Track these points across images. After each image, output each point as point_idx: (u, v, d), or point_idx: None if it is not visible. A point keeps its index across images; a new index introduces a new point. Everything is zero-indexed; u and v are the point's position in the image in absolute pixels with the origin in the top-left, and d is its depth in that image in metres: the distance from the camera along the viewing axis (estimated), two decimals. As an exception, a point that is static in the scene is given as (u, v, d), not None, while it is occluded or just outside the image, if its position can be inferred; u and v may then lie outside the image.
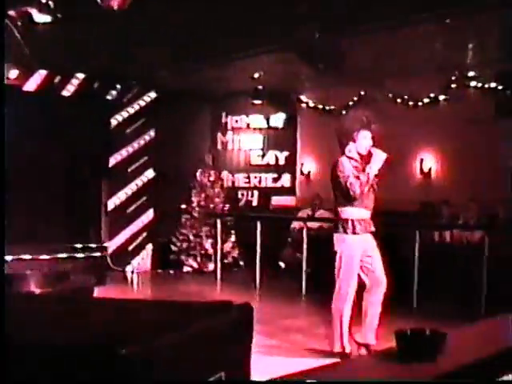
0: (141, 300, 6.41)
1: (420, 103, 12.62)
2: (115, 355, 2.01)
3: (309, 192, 13.81)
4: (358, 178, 6.46)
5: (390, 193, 12.59)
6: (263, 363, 5.80)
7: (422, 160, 12.83)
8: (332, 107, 13.96)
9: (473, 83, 12.13)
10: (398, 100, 12.86)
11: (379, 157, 6.61)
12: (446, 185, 12.37)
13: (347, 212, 6.64)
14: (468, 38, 11.03)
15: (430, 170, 12.76)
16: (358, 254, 6.66)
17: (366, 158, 6.67)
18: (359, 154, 6.69)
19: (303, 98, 14.60)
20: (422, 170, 12.84)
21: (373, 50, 11.38)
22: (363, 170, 6.57)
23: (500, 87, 11.76)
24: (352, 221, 6.60)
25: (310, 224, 11.86)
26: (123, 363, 2.02)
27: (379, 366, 2.15)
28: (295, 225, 12.56)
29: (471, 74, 12.12)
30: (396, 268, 10.84)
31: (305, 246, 11.02)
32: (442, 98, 12.41)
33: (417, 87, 12.55)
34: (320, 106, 14.24)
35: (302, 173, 14.95)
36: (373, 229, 6.81)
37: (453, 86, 12.27)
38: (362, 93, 13.38)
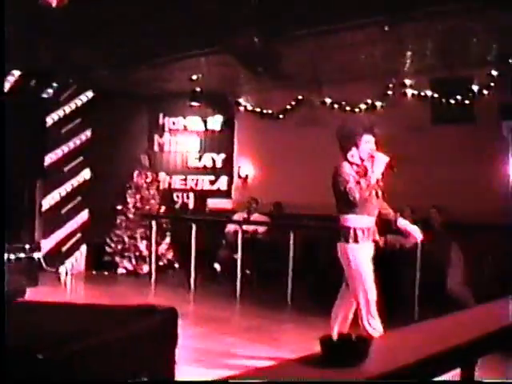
0: (65, 303, 6.33)
1: (357, 109, 12.72)
2: (34, 359, 1.97)
3: (245, 195, 13.83)
4: (358, 183, 6.15)
5: (327, 198, 12.74)
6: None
7: (357, 165, 12.94)
8: (269, 111, 14.00)
9: (409, 91, 12.29)
10: (335, 105, 12.95)
11: (381, 160, 6.33)
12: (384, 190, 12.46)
13: (349, 220, 6.33)
14: (405, 46, 11.16)
15: (365, 175, 12.89)
16: (366, 260, 6.39)
17: (369, 163, 6.36)
18: (362, 158, 6.37)
19: (241, 100, 14.62)
20: (357, 175, 12.94)
21: (311, 54, 11.43)
22: (365, 176, 6.26)
23: (436, 95, 11.93)
24: (354, 229, 6.29)
25: (246, 227, 11.85)
26: (42, 366, 1.98)
27: (303, 372, 2.14)
28: (230, 228, 12.54)
29: (408, 81, 12.28)
30: (331, 274, 11.01)
31: (240, 248, 11.00)
32: (378, 104, 12.53)
33: (354, 93, 12.65)
34: (258, 110, 14.27)
35: (238, 176, 14.95)
36: (377, 237, 6.54)
37: (389, 92, 12.40)
38: (300, 97, 13.44)
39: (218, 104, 15.00)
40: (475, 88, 11.54)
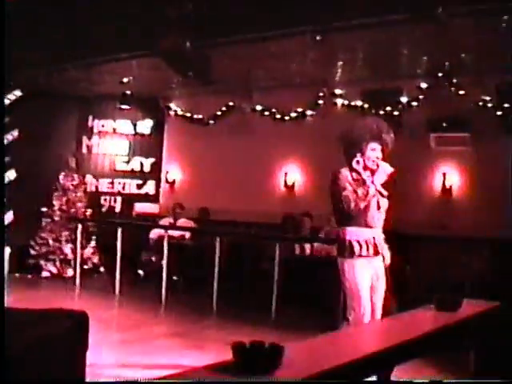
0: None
1: (287, 117, 12.76)
2: None
3: (172, 200, 13.71)
4: (355, 192, 5.69)
5: (254, 205, 12.76)
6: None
7: (286, 173, 12.97)
8: (200, 116, 13.94)
9: (339, 100, 12.37)
10: (266, 113, 12.96)
11: (383, 170, 5.85)
12: (309, 198, 12.53)
13: (347, 232, 5.80)
14: (336, 56, 11.25)
15: (293, 183, 12.92)
16: (365, 278, 5.75)
17: (374, 173, 5.88)
18: (366, 166, 5.87)
19: (172, 105, 14.52)
20: (286, 183, 12.97)
21: (242, 60, 11.44)
22: (363, 185, 5.78)
23: (366, 105, 12.04)
24: (350, 242, 5.75)
25: (172, 232, 11.75)
26: None
27: (214, 378, 2.10)
28: (156, 233, 12.40)
29: (338, 91, 12.36)
30: (256, 281, 11.01)
31: (165, 253, 10.89)
32: (309, 113, 12.59)
33: (285, 101, 12.69)
34: (188, 115, 14.19)
35: (166, 181, 14.85)
36: (381, 251, 5.86)
37: (320, 102, 12.46)
38: (231, 103, 13.42)
39: (148, 108, 14.89)
40: (404, 100, 11.68)
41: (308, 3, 9.26)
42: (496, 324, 4.84)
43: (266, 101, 12.97)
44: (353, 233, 5.75)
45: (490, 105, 10.75)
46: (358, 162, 5.85)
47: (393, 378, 2.99)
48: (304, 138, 12.56)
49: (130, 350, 7.39)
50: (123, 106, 14.35)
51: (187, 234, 12.42)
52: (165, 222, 12.67)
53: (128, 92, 13.98)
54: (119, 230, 11.38)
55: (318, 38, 10.03)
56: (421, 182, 11.27)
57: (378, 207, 5.86)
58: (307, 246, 10.73)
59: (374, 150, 5.86)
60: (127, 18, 10.02)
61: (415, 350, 2.96)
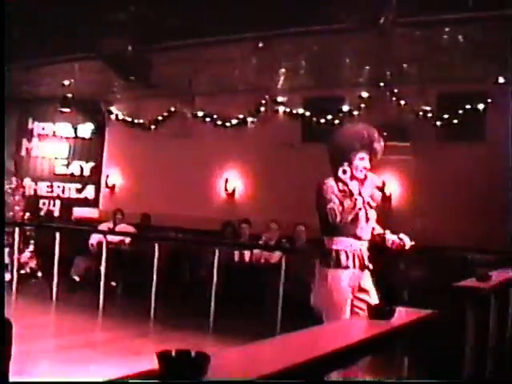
0: None
1: (228, 123, 12.75)
2: None
3: (113, 205, 13.59)
4: (341, 204, 5.38)
5: (195, 211, 12.71)
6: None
7: (226, 180, 12.95)
8: (141, 121, 13.86)
9: (281, 108, 12.40)
10: (208, 118, 12.93)
11: (371, 182, 5.61)
12: (249, 205, 12.54)
13: (331, 242, 5.51)
14: (279, 63, 11.29)
15: (234, 189, 12.90)
16: (345, 291, 5.47)
17: (361, 183, 5.60)
18: (354, 176, 5.56)
19: (113, 109, 14.40)
20: (226, 189, 12.95)
21: (185, 65, 11.40)
22: (350, 196, 5.47)
23: (307, 113, 12.08)
24: (336, 252, 5.47)
25: (111, 238, 11.62)
26: None
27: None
28: (94, 239, 12.25)
29: (280, 98, 12.39)
30: (195, 287, 10.96)
31: (104, 259, 10.75)
32: (250, 119, 12.59)
33: (227, 107, 12.68)
34: (129, 119, 14.09)
35: (106, 185, 14.71)
36: (368, 263, 5.58)
37: (262, 109, 12.48)
38: (172, 109, 13.36)
39: (89, 111, 14.75)
40: (346, 108, 11.75)
41: (251, 10, 9.27)
42: (432, 331, 4.89)
43: (207, 106, 12.95)
44: (340, 243, 5.48)
45: (430, 115, 10.87)
46: (344, 171, 5.53)
47: None
48: (245, 144, 12.59)
49: (64, 357, 7.28)
50: (64, 109, 14.17)
51: (127, 240, 12.31)
52: (104, 227, 12.53)
53: (69, 95, 13.81)
54: (57, 235, 11.21)
55: (260, 44, 10.05)
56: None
57: (367, 219, 5.62)
58: (246, 253, 10.71)
59: (362, 160, 5.55)
60: (69, 20, 9.91)
61: (346, 358, 2.95)
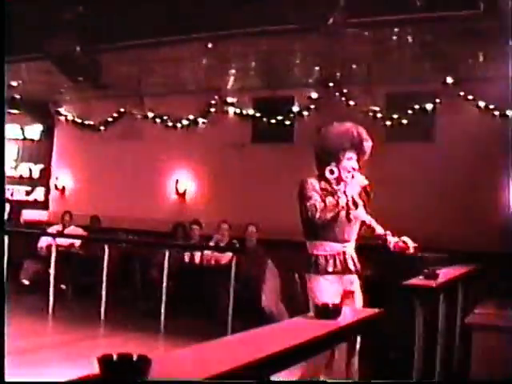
0: None
1: (179, 124, 12.70)
2: None
3: (62, 207, 13.44)
4: (323, 201, 5.20)
5: (146, 212, 12.65)
6: None
7: (177, 181, 12.89)
8: (91, 122, 13.74)
9: (231, 108, 12.39)
10: (157, 119, 12.86)
11: (357, 182, 5.38)
12: (200, 206, 12.52)
13: (312, 247, 5.37)
14: (229, 64, 11.28)
15: (185, 191, 12.85)
16: (332, 296, 5.10)
17: (346, 183, 5.39)
18: (340, 177, 5.37)
19: (62, 110, 14.24)
20: (177, 190, 12.89)
21: (134, 66, 11.35)
22: (333, 195, 5.27)
23: (257, 114, 12.09)
24: (317, 256, 5.31)
25: (60, 241, 11.50)
26: None
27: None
28: (43, 242, 12.10)
29: (230, 99, 12.38)
30: (146, 289, 10.90)
31: (53, 262, 10.62)
32: (200, 120, 12.56)
33: (176, 108, 12.65)
34: (79, 120, 13.96)
35: (56, 187, 14.54)
36: (355, 267, 5.39)
37: (212, 109, 12.46)
38: (122, 110, 13.27)
39: (37, 112, 14.57)
40: (295, 109, 11.78)
41: (200, 10, 9.24)
42: (381, 330, 4.92)
43: (157, 107, 12.89)
44: (320, 247, 5.32)
45: (379, 115, 10.94)
46: (331, 171, 5.34)
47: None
48: (195, 145, 12.58)
49: (12, 361, 7.14)
50: (11, 111, 13.98)
51: (77, 243, 12.18)
52: (53, 229, 12.39)
53: (17, 96, 13.64)
54: (6, 238, 11.05)
55: (209, 45, 10.03)
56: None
57: (349, 220, 5.39)
58: (197, 254, 10.67)
59: (350, 160, 5.38)
60: (16, 20, 9.78)
61: (291, 359, 2.95)
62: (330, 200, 5.19)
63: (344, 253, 5.33)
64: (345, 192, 5.28)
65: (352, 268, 5.34)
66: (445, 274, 6.02)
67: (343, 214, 5.30)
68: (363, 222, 5.57)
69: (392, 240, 5.63)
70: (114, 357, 2.10)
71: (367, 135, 5.47)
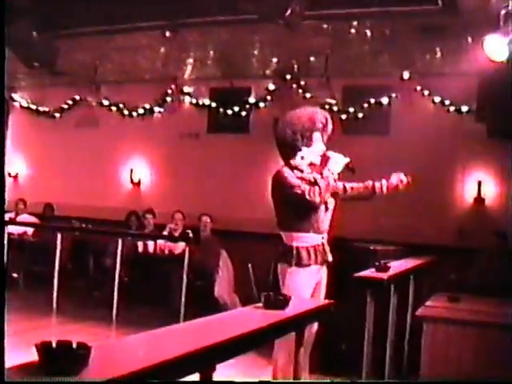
0: None
1: (134, 113, 12.60)
2: None
3: (15, 195, 13.25)
4: (315, 183, 5.04)
5: (100, 200, 12.54)
6: None
7: (132, 170, 12.80)
8: (46, 109, 13.56)
9: (187, 98, 12.32)
10: (113, 107, 12.75)
11: (338, 159, 5.21)
12: (154, 195, 12.47)
13: (291, 238, 5.17)
14: (186, 53, 11.21)
15: (139, 180, 12.77)
16: (308, 288, 5.16)
17: (318, 169, 5.24)
18: (312, 163, 5.26)
19: (16, 96, 14.02)
20: (132, 179, 12.80)
21: (90, 53, 11.23)
22: (322, 175, 5.12)
23: (213, 104, 12.04)
24: (297, 249, 5.13)
25: (14, 229, 11.37)
26: None
27: (15, 381, 1.99)
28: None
29: (187, 88, 12.31)
30: (99, 278, 10.83)
31: (5, 250, 10.48)
32: (156, 109, 12.48)
33: (133, 96, 12.55)
34: (33, 107, 13.77)
35: (9, 175, 14.33)
36: (329, 258, 5.29)
37: (168, 99, 12.38)
38: (77, 97, 13.12)
39: (-9, 98, 14.34)
40: (252, 100, 11.75)
41: (159, -2, 9.18)
42: (331, 321, 4.93)
43: (113, 95, 12.77)
44: (301, 239, 5.15)
45: (335, 108, 10.95)
46: (302, 157, 5.22)
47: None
48: (151, 134, 12.49)
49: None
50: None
51: (30, 231, 12.05)
52: (5, 217, 12.23)
53: (-30, 81, 13.42)
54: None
55: (167, 33, 9.96)
56: (267, 180, 11.37)
57: (326, 208, 5.27)
58: (150, 243, 10.62)
59: (318, 142, 5.25)
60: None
61: (238, 348, 2.95)
62: (320, 181, 5.05)
63: (323, 244, 5.26)
64: (329, 170, 5.13)
65: (329, 259, 5.29)
66: (396, 266, 6.04)
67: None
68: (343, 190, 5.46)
69: (384, 182, 5.63)
70: (53, 344, 2.08)
71: (328, 117, 5.36)
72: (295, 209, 5.12)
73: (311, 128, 5.20)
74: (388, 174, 10.14)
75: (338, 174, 5.24)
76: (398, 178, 5.69)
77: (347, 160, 5.24)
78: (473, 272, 9.11)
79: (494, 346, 5.57)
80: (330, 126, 5.33)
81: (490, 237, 9.41)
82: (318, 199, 5.00)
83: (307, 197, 4.97)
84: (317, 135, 5.22)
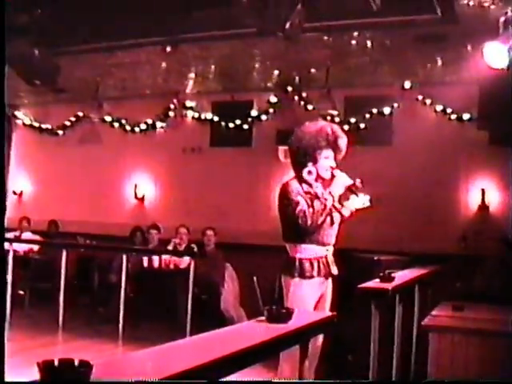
0: None
1: (137, 128, 12.63)
2: None
3: (20, 213, 13.28)
4: (311, 206, 5.09)
5: (104, 217, 12.56)
6: None
7: (136, 185, 12.81)
8: (48, 126, 13.59)
9: (190, 112, 12.35)
10: (116, 123, 12.78)
11: (341, 181, 5.25)
12: (159, 210, 12.48)
13: (295, 250, 5.22)
14: (187, 68, 11.25)
15: (143, 195, 12.78)
16: (311, 300, 5.20)
17: (327, 183, 5.31)
18: (320, 176, 5.30)
19: (19, 114, 14.07)
20: (136, 194, 12.81)
21: (92, 70, 11.29)
22: (319, 198, 5.18)
23: (216, 118, 12.06)
24: (300, 260, 5.17)
25: (19, 247, 11.38)
26: None
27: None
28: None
29: (189, 103, 12.33)
30: (105, 294, 10.81)
31: (10, 268, 10.48)
32: (159, 124, 12.51)
33: (135, 112, 12.59)
34: (36, 124, 13.80)
35: (14, 193, 14.36)
36: (334, 271, 5.33)
37: (170, 113, 12.41)
38: (80, 114, 13.16)
39: (-6, 117, 14.38)
40: (254, 113, 11.78)
41: (159, 14, 9.20)
42: (337, 333, 4.93)
43: (115, 111, 12.81)
44: (304, 251, 5.20)
45: (337, 119, 10.96)
46: (309, 172, 5.25)
47: None
48: (154, 149, 12.53)
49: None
50: (-33, 114, 13.79)
51: (35, 248, 12.06)
52: (10, 235, 12.24)
53: (-27, 99, 13.46)
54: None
55: (168, 48, 10.00)
56: (270, 193, 11.40)
57: (332, 222, 5.28)
58: (155, 258, 10.62)
59: (327, 158, 5.27)
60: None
61: (240, 362, 2.94)
62: (317, 204, 5.10)
63: (326, 256, 5.27)
64: (330, 193, 5.19)
65: (333, 272, 5.30)
66: (401, 276, 6.04)
67: (328, 217, 5.22)
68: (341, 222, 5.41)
69: (346, 211, 5.40)
70: (55, 362, 2.08)
71: (341, 132, 5.38)
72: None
73: (314, 146, 5.23)
74: (391, 184, 10.25)
75: (340, 195, 5.30)
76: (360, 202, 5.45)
77: (350, 182, 5.27)
78: (478, 280, 9.09)
79: (499, 354, 5.55)
80: (340, 142, 5.32)
81: (494, 244, 9.39)
82: (309, 222, 5.05)
83: (300, 220, 5.04)
84: (325, 152, 5.25)
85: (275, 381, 5.14)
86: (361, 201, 5.34)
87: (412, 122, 10.73)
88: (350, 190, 5.27)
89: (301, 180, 5.26)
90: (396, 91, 10.83)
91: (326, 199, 5.15)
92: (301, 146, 5.28)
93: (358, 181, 5.33)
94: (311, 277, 5.16)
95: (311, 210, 5.05)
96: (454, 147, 10.29)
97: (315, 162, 5.25)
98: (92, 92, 12.30)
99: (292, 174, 5.42)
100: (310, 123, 5.48)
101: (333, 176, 5.26)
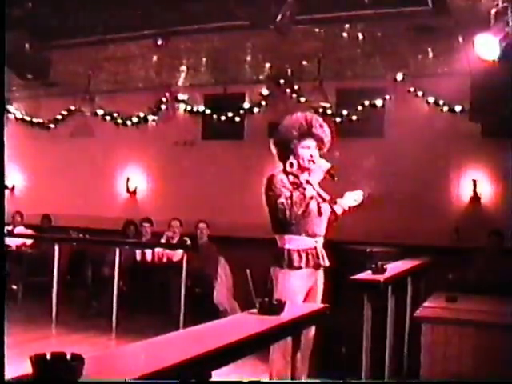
0: None
1: (129, 121, 12.60)
2: None
3: (12, 207, 13.24)
4: (290, 197, 5.04)
5: (97, 210, 12.53)
6: None
7: (128, 178, 12.78)
8: (40, 120, 13.55)
9: (182, 105, 12.33)
10: (107, 117, 12.75)
11: (319, 167, 5.26)
12: (151, 204, 12.46)
13: (282, 240, 5.24)
14: (179, 60, 11.24)
15: (136, 188, 12.76)
16: (299, 291, 5.21)
17: (309, 172, 5.32)
18: (303, 167, 5.29)
19: (11, 108, 14.02)
20: (128, 188, 12.79)
21: (83, 63, 11.25)
22: (299, 188, 5.15)
23: (208, 111, 12.04)
24: (288, 251, 5.19)
25: (11, 241, 11.38)
26: None
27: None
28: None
29: (181, 96, 12.31)
30: (98, 287, 10.81)
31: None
32: (151, 118, 12.48)
33: (127, 105, 12.55)
34: (28, 118, 13.76)
35: (6, 187, 14.32)
36: (324, 263, 5.33)
37: (162, 106, 12.39)
38: (72, 107, 13.11)
39: (-15, 111, 14.33)
40: (246, 105, 11.76)
41: (150, 7, 9.19)
42: (330, 325, 4.94)
43: (107, 105, 12.76)
44: (292, 241, 5.21)
45: (329, 111, 10.95)
46: (291, 164, 5.28)
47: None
48: (146, 142, 12.49)
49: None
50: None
51: (28, 242, 12.04)
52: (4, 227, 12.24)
53: (-36, 93, 13.40)
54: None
55: (159, 42, 9.98)
56: (262, 186, 11.39)
57: (320, 213, 5.28)
58: (148, 252, 10.62)
59: (307, 148, 5.25)
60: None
61: (232, 354, 2.95)
62: (296, 194, 5.07)
63: (315, 248, 5.27)
64: (308, 181, 5.21)
65: (323, 264, 5.31)
66: (393, 268, 6.05)
67: (314, 207, 5.23)
68: (332, 214, 5.42)
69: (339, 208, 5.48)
70: (47, 356, 2.08)
71: (320, 120, 5.36)
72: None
73: (290, 138, 5.26)
74: (384, 176, 10.26)
75: (320, 181, 5.33)
76: (352, 199, 5.54)
77: (328, 166, 5.27)
78: (470, 271, 9.12)
79: (493, 345, 5.57)
80: (317, 131, 5.30)
81: (486, 236, 9.42)
82: (287, 214, 5.04)
83: (279, 211, 5.05)
84: (305, 142, 5.26)
85: (265, 380, 5.15)
86: (353, 197, 5.45)
87: (404, 114, 10.73)
88: (329, 173, 5.27)
89: (287, 172, 5.29)
90: (388, 83, 10.82)
91: (304, 189, 5.15)
92: (280, 140, 5.34)
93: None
94: (299, 267, 5.17)
95: (289, 201, 5.02)
96: (446, 139, 10.30)
97: (295, 153, 5.27)
98: (84, 86, 12.25)
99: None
100: (289, 116, 5.47)
101: (314, 164, 5.28)
